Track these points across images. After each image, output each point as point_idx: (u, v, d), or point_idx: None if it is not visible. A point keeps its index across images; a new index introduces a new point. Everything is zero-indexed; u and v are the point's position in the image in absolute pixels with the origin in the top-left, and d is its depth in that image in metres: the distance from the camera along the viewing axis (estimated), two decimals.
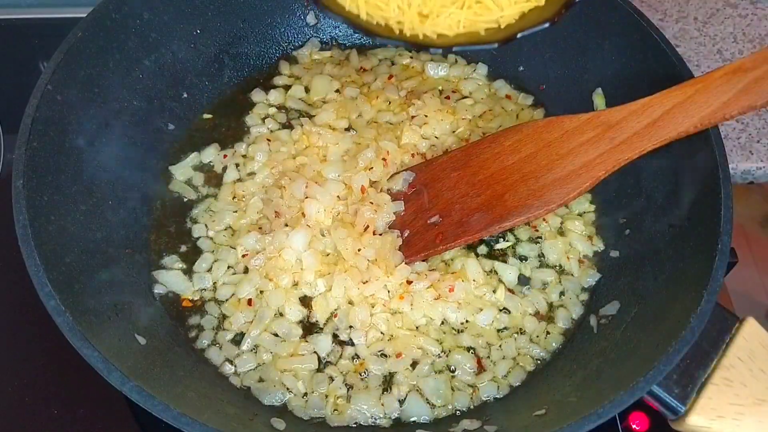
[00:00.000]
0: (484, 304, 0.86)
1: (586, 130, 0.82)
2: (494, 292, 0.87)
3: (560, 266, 0.92)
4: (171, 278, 0.86)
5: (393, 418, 0.80)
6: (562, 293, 0.89)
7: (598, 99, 0.98)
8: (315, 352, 0.82)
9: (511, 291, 0.88)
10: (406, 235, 0.89)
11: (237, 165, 0.96)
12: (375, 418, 0.79)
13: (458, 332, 0.86)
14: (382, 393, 0.81)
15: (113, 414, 0.83)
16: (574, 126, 0.83)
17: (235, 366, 0.81)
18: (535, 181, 0.83)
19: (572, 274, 0.90)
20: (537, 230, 0.93)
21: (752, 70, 0.72)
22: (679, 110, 0.76)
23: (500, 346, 0.85)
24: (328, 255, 0.87)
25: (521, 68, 1.08)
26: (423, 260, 0.88)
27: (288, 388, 0.80)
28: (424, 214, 0.89)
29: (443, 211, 0.88)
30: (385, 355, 0.83)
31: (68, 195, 0.78)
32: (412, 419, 0.79)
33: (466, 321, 0.86)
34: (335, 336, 0.84)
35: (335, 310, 0.84)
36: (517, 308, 0.87)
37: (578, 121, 0.83)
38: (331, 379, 0.81)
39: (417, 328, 0.84)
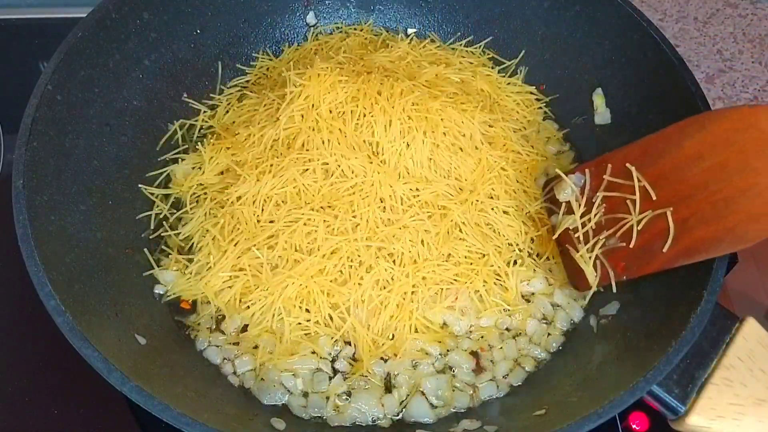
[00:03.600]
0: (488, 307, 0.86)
1: None
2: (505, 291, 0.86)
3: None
4: (171, 278, 0.86)
5: (393, 418, 0.80)
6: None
7: (598, 99, 0.98)
8: (314, 352, 0.82)
9: (526, 299, 0.88)
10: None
11: None
12: (375, 419, 0.79)
13: (458, 336, 0.86)
14: (383, 393, 0.81)
15: (113, 414, 0.83)
16: None
17: (235, 366, 0.81)
18: (725, 206, 0.64)
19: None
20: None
21: None
22: None
23: (501, 347, 0.85)
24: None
25: (521, 68, 1.08)
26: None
27: (288, 388, 0.80)
28: (599, 233, 0.75)
29: (623, 235, 0.73)
30: (385, 358, 0.83)
31: (68, 195, 0.78)
32: (413, 419, 0.79)
33: (471, 325, 0.86)
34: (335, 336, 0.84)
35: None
36: (524, 313, 0.87)
37: None
38: (331, 378, 0.81)
39: (416, 330, 0.84)
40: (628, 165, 0.73)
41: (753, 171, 0.61)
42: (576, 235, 0.79)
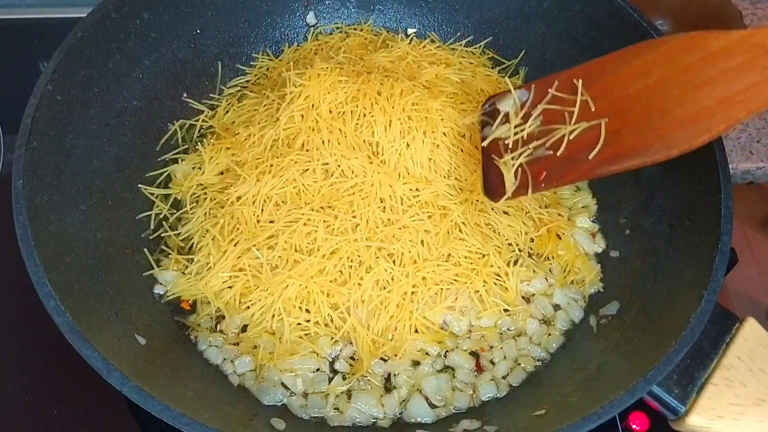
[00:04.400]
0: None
1: (735, 52, 0.63)
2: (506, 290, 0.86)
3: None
4: (171, 278, 0.86)
5: (393, 418, 0.80)
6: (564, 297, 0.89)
7: None
8: (314, 352, 0.82)
9: (526, 299, 0.88)
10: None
11: None
12: (375, 419, 0.79)
13: (458, 336, 0.86)
14: (383, 393, 0.81)
15: (113, 414, 0.83)
16: (721, 46, 0.64)
17: (235, 366, 0.81)
18: (660, 117, 0.67)
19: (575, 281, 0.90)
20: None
21: None
22: None
23: (501, 347, 0.85)
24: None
25: (521, 68, 1.08)
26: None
27: (288, 388, 0.80)
28: (529, 143, 0.76)
29: (553, 144, 0.74)
30: (385, 358, 0.83)
31: (68, 195, 0.78)
32: (413, 419, 0.79)
33: (470, 325, 0.86)
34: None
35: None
36: (524, 313, 0.87)
37: (727, 40, 0.64)
38: (331, 379, 0.81)
39: (416, 330, 0.84)
40: (574, 80, 0.75)
41: (692, 86, 0.65)
42: (506, 142, 0.79)
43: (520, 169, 0.77)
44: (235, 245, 0.85)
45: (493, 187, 0.81)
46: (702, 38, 0.66)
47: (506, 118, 0.80)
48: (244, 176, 0.88)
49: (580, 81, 0.74)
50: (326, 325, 0.83)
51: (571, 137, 0.73)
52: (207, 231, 0.88)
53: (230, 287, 0.85)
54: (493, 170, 0.80)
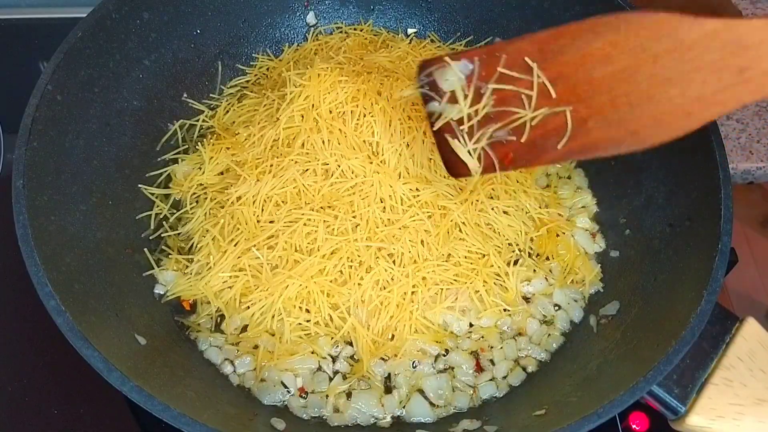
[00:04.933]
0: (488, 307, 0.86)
1: (709, 47, 0.58)
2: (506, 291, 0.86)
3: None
4: (171, 278, 0.86)
5: (393, 418, 0.80)
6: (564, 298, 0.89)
7: None
8: (314, 352, 0.82)
9: (526, 299, 0.88)
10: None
11: None
12: (375, 418, 0.79)
13: (458, 336, 0.85)
14: (383, 393, 0.81)
15: (113, 414, 0.83)
16: (693, 39, 0.58)
17: (235, 366, 0.81)
18: (630, 110, 0.63)
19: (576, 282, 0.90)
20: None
21: None
22: None
23: (501, 347, 0.85)
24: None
25: None
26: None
27: (288, 388, 0.80)
28: (486, 125, 0.71)
29: (515, 129, 0.69)
30: (385, 358, 0.83)
31: (68, 195, 0.78)
32: (413, 419, 0.79)
33: (471, 325, 0.86)
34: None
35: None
36: (524, 313, 0.87)
37: (700, 30, 0.58)
38: (331, 379, 0.81)
39: (416, 330, 0.84)
40: (527, 60, 0.68)
41: (664, 80, 0.61)
42: (461, 128, 0.73)
43: (482, 152, 0.73)
44: (235, 245, 0.85)
45: (455, 166, 0.76)
46: (671, 25, 0.59)
47: (452, 96, 0.72)
48: (244, 176, 0.88)
49: (535, 63, 0.68)
50: (326, 325, 0.83)
51: (533, 123, 0.69)
52: (207, 231, 0.88)
53: (230, 287, 0.84)
54: (451, 150, 0.75)
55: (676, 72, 0.60)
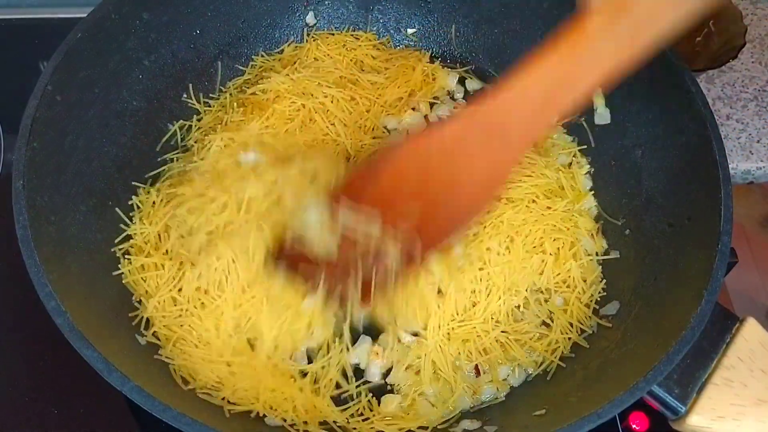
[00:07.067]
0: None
1: (469, 137, 0.67)
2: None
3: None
4: None
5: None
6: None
7: (598, 99, 0.98)
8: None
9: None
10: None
11: None
12: None
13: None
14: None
15: (113, 414, 0.83)
16: (454, 136, 0.68)
17: None
18: (445, 209, 0.71)
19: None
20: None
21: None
22: (565, 80, 0.65)
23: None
24: None
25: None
26: None
27: None
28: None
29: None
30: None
31: (68, 195, 0.78)
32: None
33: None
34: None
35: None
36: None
37: (457, 126, 0.67)
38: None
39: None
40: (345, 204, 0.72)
41: (454, 169, 0.68)
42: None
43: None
44: None
45: None
46: (432, 135, 0.69)
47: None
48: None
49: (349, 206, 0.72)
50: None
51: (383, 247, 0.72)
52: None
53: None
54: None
55: (461, 162, 0.68)
